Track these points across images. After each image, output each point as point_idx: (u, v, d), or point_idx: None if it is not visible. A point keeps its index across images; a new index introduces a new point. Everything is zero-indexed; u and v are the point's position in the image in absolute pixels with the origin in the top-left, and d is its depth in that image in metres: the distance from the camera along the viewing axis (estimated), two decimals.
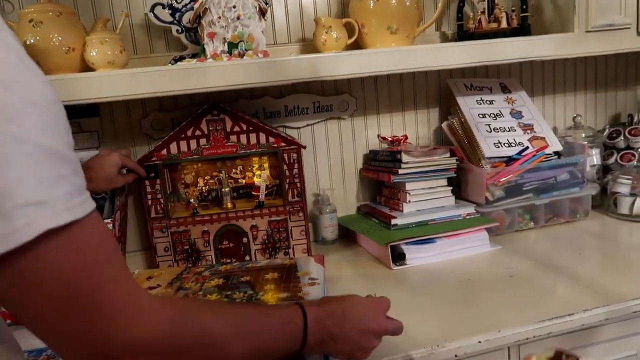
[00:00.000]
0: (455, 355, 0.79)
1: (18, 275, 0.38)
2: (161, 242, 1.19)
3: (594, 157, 1.43)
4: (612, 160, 1.45)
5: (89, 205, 0.42)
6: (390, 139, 1.38)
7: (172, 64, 1.17)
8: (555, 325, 0.83)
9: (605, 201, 1.39)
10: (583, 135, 1.43)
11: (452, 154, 1.28)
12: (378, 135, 1.40)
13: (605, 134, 1.50)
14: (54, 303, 0.39)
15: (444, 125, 1.38)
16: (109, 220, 1.03)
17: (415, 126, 1.43)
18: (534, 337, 0.82)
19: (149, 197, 1.17)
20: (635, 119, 1.47)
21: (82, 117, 1.22)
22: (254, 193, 1.22)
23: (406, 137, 1.39)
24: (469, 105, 1.36)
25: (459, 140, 1.34)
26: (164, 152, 1.15)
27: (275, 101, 1.31)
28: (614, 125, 1.53)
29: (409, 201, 1.24)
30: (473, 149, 1.29)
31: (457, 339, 0.79)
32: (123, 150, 1.13)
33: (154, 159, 1.15)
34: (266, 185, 1.24)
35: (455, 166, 1.27)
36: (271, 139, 1.17)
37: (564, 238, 1.23)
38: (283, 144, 1.17)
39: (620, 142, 1.46)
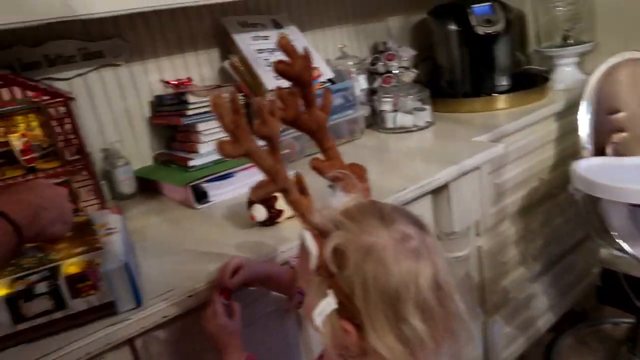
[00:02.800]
0: None
1: None
2: None
3: (362, 82, 1.62)
4: (376, 83, 1.67)
5: None
6: (174, 82, 1.34)
7: None
8: None
9: (375, 119, 1.60)
10: (350, 63, 1.60)
11: (239, 91, 1.32)
12: (161, 80, 1.35)
13: (368, 61, 1.70)
14: None
15: (226, 63, 1.40)
16: None
17: (198, 68, 1.41)
18: None
19: None
20: (388, 45, 1.70)
21: None
22: (23, 158, 1.07)
23: (190, 80, 1.37)
24: (246, 43, 1.39)
25: (242, 77, 1.38)
26: None
27: (31, 50, 1.15)
28: (374, 53, 1.74)
29: (204, 141, 1.24)
30: (257, 84, 1.34)
31: (261, 254, 0.85)
32: None
33: None
34: (38, 146, 1.10)
35: (243, 102, 1.31)
36: (29, 93, 1.03)
37: (348, 154, 1.38)
38: (46, 97, 1.04)
39: (380, 67, 1.67)
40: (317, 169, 0.70)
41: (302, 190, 0.60)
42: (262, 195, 0.57)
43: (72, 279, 0.68)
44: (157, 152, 1.37)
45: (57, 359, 0.65)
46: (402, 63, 1.69)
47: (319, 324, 0.53)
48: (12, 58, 1.13)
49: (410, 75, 1.70)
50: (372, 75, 1.69)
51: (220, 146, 0.53)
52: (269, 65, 1.36)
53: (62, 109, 1.05)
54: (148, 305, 0.73)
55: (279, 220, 0.96)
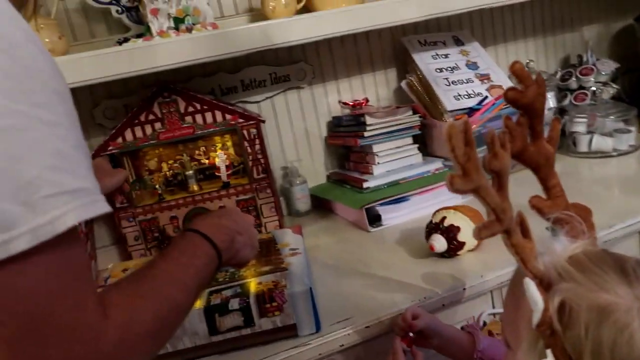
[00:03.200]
0: (443, 305, 0.79)
1: (13, 280, 0.33)
2: (130, 232, 1.14)
3: (550, 100, 1.46)
4: (566, 101, 1.49)
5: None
6: (351, 103, 1.36)
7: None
8: None
9: (564, 142, 1.43)
10: None
11: (415, 112, 1.28)
12: (339, 101, 1.38)
13: (557, 76, 1.53)
14: (26, 324, 0.34)
15: (403, 83, 1.37)
16: None
17: (374, 88, 1.42)
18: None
19: None
20: (584, 58, 1.51)
21: None
22: (216, 174, 1.18)
23: (367, 100, 1.37)
24: (425, 61, 1.35)
25: (419, 97, 1.34)
26: (120, 140, 1.10)
27: (230, 76, 1.27)
28: (565, 67, 1.56)
29: (378, 163, 1.23)
30: (434, 104, 1.30)
31: (442, 288, 0.80)
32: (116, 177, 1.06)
33: (110, 148, 1.10)
34: (232, 164, 1.21)
35: (419, 123, 1.27)
36: (228, 116, 1.13)
37: (531, 182, 1.25)
38: (241, 120, 1.13)
39: (573, 82, 1.49)
40: (538, 208, 0.62)
41: (525, 232, 0.53)
42: (487, 236, 0.51)
43: (260, 299, 0.71)
44: (331, 172, 1.41)
45: None
46: (600, 78, 1.48)
47: None
48: (214, 84, 1.26)
49: (609, 92, 1.49)
50: (561, 92, 1.52)
51: (451, 180, 0.49)
52: (447, 85, 1.31)
53: (253, 131, 1.13)
54: (326, 332, 0.73)
55: (460, 253, 0.89)
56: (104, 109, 1.20)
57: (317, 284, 0.87)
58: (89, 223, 1.13)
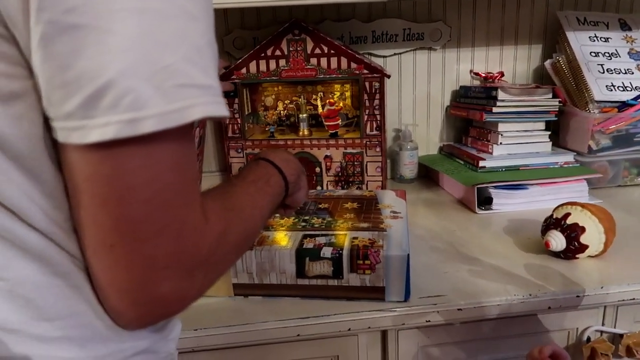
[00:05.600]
0: (549, 307, 0.71)
1: (131, 164, 0.33)
2: (236, 162, 1.17)
3: None
4: None
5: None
6: (484, 75, 1.25)
7: None
8: None
9: None
10: None
11: (555, 95, 1.15)
12: (470, 71, 1.28)
13: None
14: (144, 209, 0.34)
15: (548, 63, 1.23)
16: None
17: (513, 62, 1.29)
18: (634, 299, 0.73)
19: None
20: None
21: None
22: (326, 123, 1.16)
23: (502, 74, 1.26)
24: (580, 42, 1.20)
25: (563, 81, 1.20)
26: (244, 70, 1.11)
27: (362, 25, 1.22)
28: None
29: (501, 143, 1.13)
30: (580, 91, 1.15)
31: (553, 289, 0.72)
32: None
33: (233, 77, 1.11)
34: (346, 115, 1.18)
35: (557, 109, 1.14)
36: (353, 65, 1.09)
37: None
38: (365, 71, 1.09)
39: None
40: None
41: None
42: None
43: (354, 254, 0.68)
44: (445, 144, 1.33)
45: (322, 324, 0.67)
46: None
47: None
48: (345, 30, 1.22)
49: None
50: None
51: None
52: (601, 72, 1.15)
53: (375, 84, 1.09)
54: (414, 304, 0.69)
55: (579, 256, 0.79)
56: (234, 38, 1.21)
57: (412, 255, 0.82)
58: (201, 144, 1.17)
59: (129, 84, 0.31)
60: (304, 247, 0.70)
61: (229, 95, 1.12)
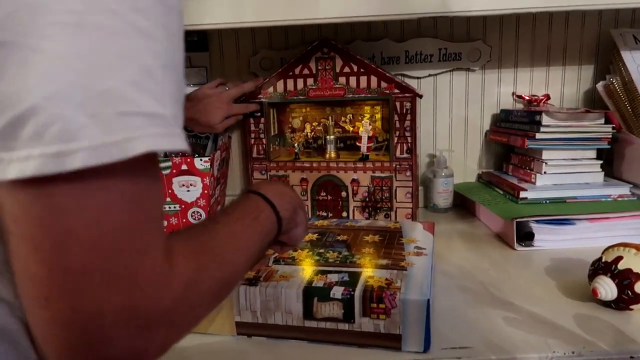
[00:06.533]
0: None
1: (67, 203, 0.28)
2: None
3: None
4: None
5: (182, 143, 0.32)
6: (528, 98, 1.16)
7: None
8: None
9: None
10: None
11: (608, 121, 1.04)
12: (513, 94, 1.19)
13: None
14: (85, 257, 0.29)
15: (600, 85, 1.13)
16: (206, 159, 0.98)
17: (560, 85, 1.19)
18: None
19: (252, 135, 1.11)
20: None
21: (192, 51, 1.17)
22: (357, 144, 1.10)
23: (548, 97, 1.16)
24: (637, 62, 1.08)
25: (618, 105, 1.09)
26: (270, 90, 1.07)
27: (395, 45, 1.16)
28: None
29: (545, 172, 1.03)
30: (637, 116, 1.04)
31: (601, 346, 0.61)
32: (232, 90, 1.04)
33: (260, 96, 1.08)
34: (375, 138, 1.11)
35: (610, 136, 1.03)
36: (383, 84, 1.02)
37: None
38: (396, 91, 1.02)
39: None
40: None
41: None
42: None
43: (367, 295, 0.61)
44: (484, 171, 1.23)
45: None
46: None
47: None
48: (376, 50, 1.16)
49: None
50: None
51: None
52: None
53: (407, 105, 1.02)
54: (436, 357, 0.60)
55: (633, 307, 0.68)
56: (261, 59, 1.18)
57: (436, 296, 0.74)
58: (223, 167, 1.13)
59: (56, 110, 0.26)
60: (313, 285, 0.64)
61: (254, 116, 1.09)
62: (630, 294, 0.67)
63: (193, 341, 0.66)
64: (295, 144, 1.14)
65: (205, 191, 0.98)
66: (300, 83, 1.06)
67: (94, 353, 0.30)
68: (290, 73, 1.06)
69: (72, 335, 0.30)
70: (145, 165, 0.30)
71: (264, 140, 1.10)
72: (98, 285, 0.29)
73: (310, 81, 1.05)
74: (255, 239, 0.47)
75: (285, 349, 0.63)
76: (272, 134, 1.13)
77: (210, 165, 0.99)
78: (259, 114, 1.09)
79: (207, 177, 0.98)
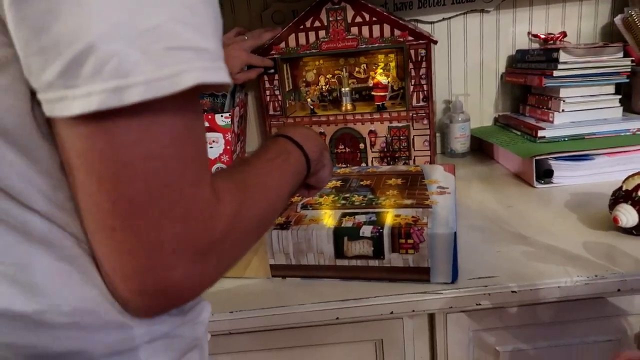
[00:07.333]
0: (618, 290, 0.64)
1: (126, 138, 0.30)
2: None
3: None
4: None
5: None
6: (544, 36, 1.15)
7: None
8: None
9: None
10: None
11: (626, 54, 1.03)
12: (529, 33, 1.18)
13: None
14: (144, 188, 0.31)
15: (618, 19, 1.10)
16: (227, 115, 0.99)
17: (577, 21, 1.17)
18: None
19: (267, 93, 1.11)
20: None
21: None
22: (373, 94, 1.10)
23: (564, 35, 1.15)
24: None
25: (637, 38, 1.07)
26: (282, 45, 1.07)
27: None
28: None
29: (563, 110, 1.03)
30: None
31: (624, 269, 0.64)
32: (249, 41, 1.04)
33: (272, 52, 1.08)
34: (391, 87, 1.12)
35: (629, 69, 1.02)
36: (397, 32, 1.02)
37: None
38: (410, 38, 1.02)
39: None
40: None
41: None
42: None
43: (395, 232, 0.63)
44: (501, 114, 1.23)
45: (362, 307, 0.63)
46: None
47: None
48: None
49: None
50: None
51: None
52: None
53: (422, 52, 1.01)
54: (463, 286, 0.63)
55: None
56: (273, 12, 1.17)
57: (461, 232, 0.76)
58: (242, 124, 1.15)
59: (111, 47, 0.28)
60: (342, 225, 0.66)
61: (268, 72, 1.09)
62: None
63: (231, 284, 0.70)
64: (309, 99, 1.14)
65: (228, 147, 1.01)
66: (312, 36, 1.06)
67: (157, 279, 0.33)
68: (301, 26, 1.05)
69: (136, 262, 0.32)
70: (192, 101, 0.32)
71: (280, 97, 1.11)
72: (158, 214, 0.32)
73: (322, 33, 1.05)
74: (288, 178, 0.49)
75: (319, 287, 0.67)
76: (287, 89, 1.14)
77: (231, 121, 1.00)
78: (272, 70, 1.09)
79: (229, 133, 1.00)
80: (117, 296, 0.35)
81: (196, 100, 0.33)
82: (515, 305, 0.66)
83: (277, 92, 1.11)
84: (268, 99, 1.12)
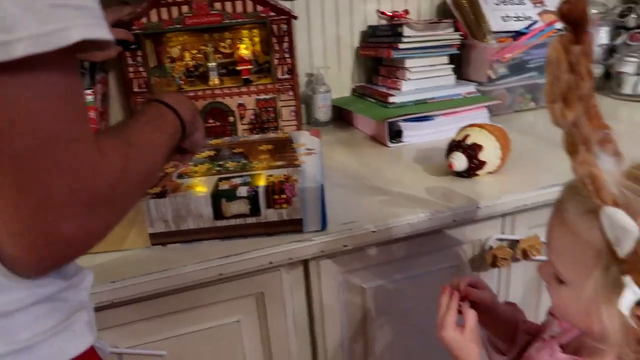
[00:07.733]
0: (453, 221, 0.78)
1: (9, 94, 0.31)
2: None
3: (602, 37, 1.35)
4: (620, 40, 1.38)
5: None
6: (390, 14, 1.28)
7: None
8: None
9: (607, 83, 1.34)
10: (594, 11, 1.34)
11: (456, 29, 1.20)
12: (377, 10, 1.30)
13: (616, 11, 1.41)
14: (30, 143, 0.32)
15: None
16: (89, 92, 0.96)
17: (417, 1, 1.32)
18: (532, 204, 0.81)
19: (131, 69, 1.09)
20: None
21: None
22: (237, 68, 1.14)
23: (407, 12, 1.29)
24: None
25: (464, 15, 1.25)
26: (144, 20, 1.05)
27: None
28: (625, 2, 1.43)
29: (408, 79, 1.17)
30: (478, 24, 1.21)
31: (455, 205, 0.78)
32: (108, 16, 1.00)
33: (133, 28, 1.06)
34: (256, 61, 1.16)
35: (459, 42, 1.19)
36: (259, 8, 1.07)
37: None
38: (272, 14, 1.07)
39: (631, 20, 1.37)
40: None
41: None
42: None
43: (270, 189, 0.69)
44: (357, 85, 1.35)
45: (243, 261, 0.69)
46: None
47: (626, 320, 0.44)
48: None
49: None
50: (617, 30, 1.40)
51: (552, 109, 0.44)
52: (497, 4, 1.21)
53: (284, 27, 1.08)
54: (332, 231, 0.72)
55: (479, 172, 0.86)
56: None
57: (328, 189, 0.85)
58: (105, 102, 1.11)
59: None
60: (219, 189, 0.71)
61: (129, 48, 1.07)
62: (476, 162, 0.84)
63: (111, 257, 0.70)
64: (176, 75, 1.15)
65: (92, 125, 0.98)
66: (174, 11, 1.05)
67: (46, 233, 0.35)
68: (163, 1, 1.04)
69: (25, 217, 0.34)
70: (73, 60, 0.34)
71: (144, 74, 1.10)
72: (44, 169, 0.34)
73: (185, 8, 1.05)
74: (166, 138, 0.52)
75: (200, 249, 0.71)
76: (152, 66, 1.12)
77: (94, 98, 0.97)
78: (134, 46, 1.07)
79: (93, 111, 0.97)
80: (6, 256, 0.36)
81: (76, 59, 0.35)
82: (374, 244, 0.77)
83: (141, 69, 1.09)
84: (132, 76, 1.09)
